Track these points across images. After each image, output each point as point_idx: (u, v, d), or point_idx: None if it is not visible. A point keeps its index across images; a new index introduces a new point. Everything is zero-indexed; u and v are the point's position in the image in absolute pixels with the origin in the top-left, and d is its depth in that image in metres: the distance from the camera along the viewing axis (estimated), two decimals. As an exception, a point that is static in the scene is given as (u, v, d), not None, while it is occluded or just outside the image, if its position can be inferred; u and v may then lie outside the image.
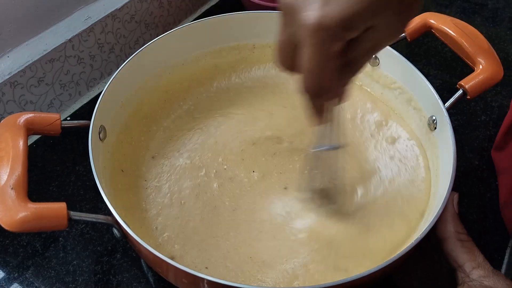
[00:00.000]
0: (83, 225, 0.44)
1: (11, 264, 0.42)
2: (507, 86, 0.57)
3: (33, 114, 0.36)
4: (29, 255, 0.42)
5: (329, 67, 0.28)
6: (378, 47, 0.29)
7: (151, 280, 0.41)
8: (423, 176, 0.43)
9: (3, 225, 0.31)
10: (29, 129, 0.35)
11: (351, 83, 0.31)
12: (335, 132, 0.37)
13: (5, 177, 0.32)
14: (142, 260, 0.42)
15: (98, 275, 0.41)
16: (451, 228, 0.35)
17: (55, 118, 0.37)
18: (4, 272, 0.41)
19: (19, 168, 0.32)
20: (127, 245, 0.43)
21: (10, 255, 0.42)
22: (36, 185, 0.47)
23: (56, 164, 0.49)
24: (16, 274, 0.41)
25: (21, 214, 0.30)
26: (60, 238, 0.43)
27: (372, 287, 0.34)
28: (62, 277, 0.41)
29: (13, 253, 0.42)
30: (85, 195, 0.47)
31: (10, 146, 0.33)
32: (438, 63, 0.61)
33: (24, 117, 0.36)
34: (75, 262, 0.42)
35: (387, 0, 0.26)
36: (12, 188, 0.31)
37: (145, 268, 0.41)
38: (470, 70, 0.43)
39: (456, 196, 0.36)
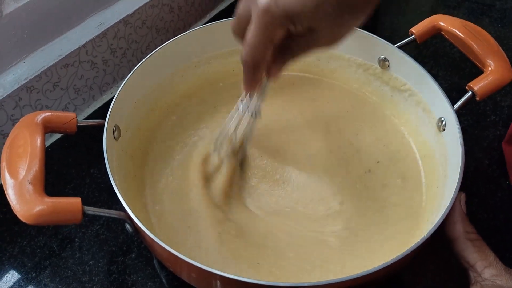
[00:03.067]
0: (98, 226, 0.45)
1: (28, 265, 0.43)
2: (516, 86, 0.57)
3: (50, 113, 0.38)
4: (46, 256, 0.43)
5: (265, 47, 0.32)
6: (314, 47, 0.34)
7: (164, 280, 0.42)
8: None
9: (20, 218, 0.32)
10: (46, 127, 0.37)
11: (285, 67, 0.36)
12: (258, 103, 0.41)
13: (23, 172, 0.33)
14: (155, 260, 0.43)
15: (114, 275, 0.42)
16: (460, 228, 0.35)
17: (71, 117, 0.38)
18: (21, 273, 0.42)
19: (37, 164, 0.33)
20: (142, 245, 0.44)
21: (27, 256, 0.43)
22: (52, 187, 0.48)
23: (71, 166, 0.50)
24: (34, 274, 0.42)
25: (38, 208, 0.32)
26: (76, 239, 0.44)
27: (380, 286, 0.34)
28: (79, 277, 0.42)
29: (31, 253, 0.43)
30: (99, 196, 0.48)
31: (28, 143, 0.35)
32: (447, 64, 0.61)
33: (41, 115, 0.37)
34: (91, 262, 0.43)
35: (326, 12, 0.30)
36: (30, 183, 0.32)
37: (157, 268, 0.42)
38: (479, 71, 0.43)
39: (463, 196, 0.36)
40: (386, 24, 0.69)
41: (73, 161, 0.51)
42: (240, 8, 0.33)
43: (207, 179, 0.43)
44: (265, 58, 0.34)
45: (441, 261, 0.42)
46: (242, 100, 0.41)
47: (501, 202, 0.47)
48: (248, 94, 0.39)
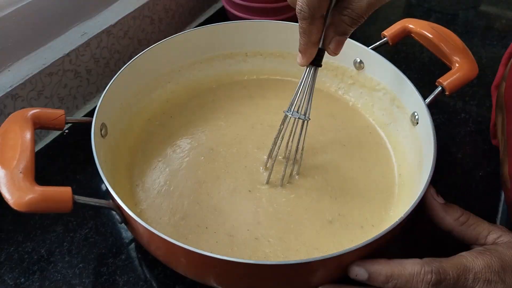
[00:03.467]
0: (86, 230, 0.45)
1: (17, 270, 0.42)
2: (483, 85, 0.60)
3: (39, 109, 0.39)
4: (34, 261, 0.43)
5: None
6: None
7: (155, 279, 0.42)
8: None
9: (12, 206, 0.32)
10: (36, 123, 0.38)
11: (345, 35, 0.36)
12: (307, 103, 0.41)
13: (14, 162, 0.34)
14: (143, 262, 0.43)
15: (104, 276, 0.42)
16: (449, 220, 0.37)
17: (60, 113, 0.39)
18: (10, 278, 0.42)
19: (27, 155, 0.34)
20: (130, 246, 0.44)
21: (15, 261, 0.43)
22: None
23: (57, 174, 0.50)
24: (22, 280, 0.42)
25: (29, 196, 0.32)
26: (65, 243, 0.44)
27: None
28: (69, 280, 0.42)
29: (18, 259, 0.43)
30: (86, 202, 0.48)
31: (18, 135, 0.35)
32: (417, 68, 0.65)
33: (31, 111, 0.38)
34: (81, 265, 0.43)
35: None
36: (21, 172, 0.33)
37: (148, 268, 0.43)
38: (447, 71, 0.46)
39: (432, 190, 0.38)
40: (358, 31, 0.72)
41: (58, 168, 0.51)
42: None
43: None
44: (323, 9, 0.33)
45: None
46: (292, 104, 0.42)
47: (476, 192, 0.50)
48: (307, 68, 0.38)
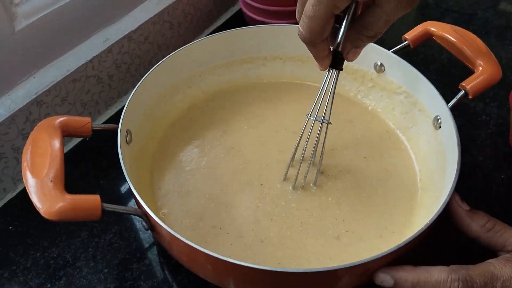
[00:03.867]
0: (110, 235, 0.46)
1: (43, 276, 0.43)
2: (503, 87, 0.60)
3: (66, 117, 0.39)
4: (60, 266, 0.44)
5: (325, 18, 0.30)
6: (393, 14, 0.31)
7: (179, 285, 0.42)
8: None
9: (43, 214, 0.33)
10: (64, 130, 0.38)
11: (362, 47, 0.35)
12: (328, 107, 0.41)
13: (44, 171, 0.34)
14: (166, 267, 0.43)
15: (129, 282, 0.42)
16: (475, 227, 0.36)
17: (86, 121, 0.40)
18: (37, 284, 0.43)
19: (57, 163, 0.35)
20: (154, 252, 0.45)
21: (41, 267, 0.44)
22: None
23: (80, 179, 0.51)
24: (48, 285, 0.42)
25: (60, 204, 0.33)
26: (90, 249, 0.45)
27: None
28: (94, 286, 0.42)
29: (45, 265, 0.44)
30: (110, 207, 0.49)
31: (47, 144, 0.36)
32: (437, 69, 0.64)
33: (59, 119, 0.39)
34: (105, 271, 0.43)
35: None
36: (51, 181, 0.34)
37: (172, 273, 0.43)
38: (467, 73, 0.46)
39: (457, 197, 0.37)
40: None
41: (81, 174, 0.52)
42: None
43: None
44: (324, 33, 0.32)
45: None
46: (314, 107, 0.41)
47: (497, 195, 0.49)
48: (327, 72, 0.38)
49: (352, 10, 0.33)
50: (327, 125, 0.43)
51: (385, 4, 0.31)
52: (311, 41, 0.32)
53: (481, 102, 0.60)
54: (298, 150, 0.45)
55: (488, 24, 0.74)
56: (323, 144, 0.44)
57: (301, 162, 0.45)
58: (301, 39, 0.33)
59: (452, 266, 0.33)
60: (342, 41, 0.35)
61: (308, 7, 0.30)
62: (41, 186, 0.33)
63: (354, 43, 0.35)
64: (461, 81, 0.45)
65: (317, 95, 0.41)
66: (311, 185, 0.45)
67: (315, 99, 0.42)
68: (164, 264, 0.44)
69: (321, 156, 0.45)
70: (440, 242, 0.43)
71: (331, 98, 0.41)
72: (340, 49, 0.36)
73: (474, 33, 0.47)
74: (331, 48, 0.37)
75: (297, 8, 0.33)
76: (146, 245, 0.45)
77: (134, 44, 0.58)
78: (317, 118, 0.42)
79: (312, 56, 0.36)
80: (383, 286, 0.34)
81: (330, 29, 0.33)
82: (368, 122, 0.52)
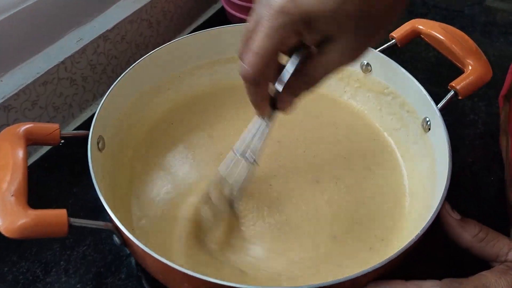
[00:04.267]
0: (84, 247, 0.43)
1: (12, 292, 0.40)
2: (492, 85, 0.58)
3: (32, 124, 0.37)
4: (29, 282, 0.41)
5: (272, 56, 0.28)
6: (335, 64, 0.30)
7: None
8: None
9: (3, 232, 0.30)
10: (29, 139, 0.36)
11: (298, 98, 0.32)
12: (257, 144, 0.36)
13: (5, 185, 0.32)
14: (144, 279, 0.41)
15: (104, 297, 0.40)
16: (467, 237, 0.35)
17: (54, 127, 0.37)
18: (5, 300, 0.40)
19: (19, 176, 0.32)
20: (131, 264, 0.42)
21: (9, 283, 0.41)
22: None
23: (52, 187, 0.48)
24: (18, 302, 0.40)
25: (22, 221, 0.30)
26: (61, 262, 0.43)
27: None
28: (67, 302, 0.40)
29: (13, 280, 0.41)
30: (84, 216, 0.45)
31: (9, 155, 0.34)
32: (424, 68, 0.63)
33: (23, 127, 0.36)
34: (78, 286, 0.41)
35: (348, 14, 0.26)
36: (12, 195, 0.31)
37: (149, 287, 0.41)
38: (455, 72, 0.44)
39: (447, 206, 0.36)
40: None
41: (54, 181, 0.49)
42: (250, 23, 0.30)
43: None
44: (270, 72, 0.30)
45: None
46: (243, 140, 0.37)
47: (488, 198, 0.48)
48: (261, 117, 0.35)
49: (300, 55, 0.30)
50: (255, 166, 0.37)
51: (328, 53, 0.29)
52: (254, 79, 0.30)
53: (469, 100, 0.58)
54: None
55: (475, 21, 0.73)
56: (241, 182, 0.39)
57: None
58: (243, 76, 0.30)
59: (444, 280, 0.31)
60: (286, 82, 0.31)
61: (255, 42, 0.28)
62: (1, 201, 0.31)
63: (291, 90, 0.32)
64: (450, 80, 0.43)
65: (248, 134, 0.37)
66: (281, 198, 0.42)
67: (244, 136, 0.37)
68: (141, 278, 0.41)
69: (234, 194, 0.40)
70: (431, 251, 0.42)
71: (262, 141, 0.36)
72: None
73: (460, 30, 0.45)
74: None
75: (240, 44, 0.31)
76: (123, 257, 0.43)
77: (110, 44, 0.55)
78: (244, 154, 0.37)
79: (250, 100, 0.32)
80: None
81: (275, 68, 0.30)
82: (354, 125, 0.50)
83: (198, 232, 0.40)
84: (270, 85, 0.32)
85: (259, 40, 0.28)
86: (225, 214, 0.40)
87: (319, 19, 0.27)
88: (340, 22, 0.27)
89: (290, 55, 0.31)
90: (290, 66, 0.31)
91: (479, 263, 0.35)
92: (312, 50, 0.30)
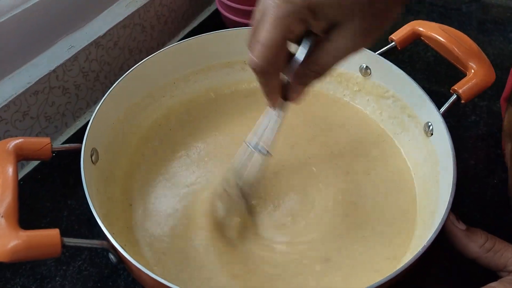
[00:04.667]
0: (80, 262, 0.42)
1: (6, 311, 0.39)
2: (492, 85, 0.58)
3: (22, 139, 0.35)
4: (25, 299, 0.40)
5: (281, 45, 0.28)
6: (343, 51, 0.29)
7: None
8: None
9: None
10: (19, 154, 0.34)
11: (308, 87, 0.32)
12: (270, 135, 0.36)
13: None
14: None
15: (102, 314, 0.39)
16: (474, 248, 0.34)
17: (45, 142, 0.36)
18: (-1, 320, 0.39)
19: (9, 196, 0.31)
20: (129, 278, 0.41)
21: (4, 301, 0.40)
22: (26, 223, 0.45)
23: (46, 200, 0.47)
24: (12, 321, 0.39)
25: (13, 243, 0.29)
26: (57, 278, 0.41)
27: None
28: (63, 320, 0.39)
29: (7, 298, 0.40)
30: (79, 229, 0.45)
31: None
32: (423, 69, 0.62)
33: (13, 142, 0.35)
34: (75, 302, 0.40)
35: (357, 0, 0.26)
36: (2, 216, 0.30)
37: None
38: (454, 72, 0.43)
39: (452, 217, 0.35)
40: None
41: (47, 193, 0.48)
42: (256, 14, 0.30)
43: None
44: (279, 62, 0.29)
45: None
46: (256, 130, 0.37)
47: (491, 201, 0.47)
48: (273, 108, 0.34)
49: (308, 43, 0.30)
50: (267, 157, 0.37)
51: (336, 40, 0.28)
52: (264, 70, 0.29)
53: (470, 102, 0.57)
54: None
55: (472, 18, 0.72)
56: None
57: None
58: (253, 68, 0.30)
59: None
60: (295, 72, 0.31)
61: (262, 33, 0.28)
62: (-9, 224, 0.29)
63: (300, 79, 0.31)
64: (449, 80, 0.43)
65: (260, 126, 0.36)
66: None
67: (257, 128, 0.37)
68: (140, 292, 0.40)
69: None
70: (439, 262, 0.41)
71: (275, 132, 0.36)
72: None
73: (458, 27, 0.44)
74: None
75: (249, 36, 0.30)
76: (120, 271, 0.42)
77: (102, 50, 0.54)
78: (257, 146, 0.37)
79: (262, 91, 0.32)
80: None
81: (284, 58, 0.30)
82: (357, 126, 0.49)
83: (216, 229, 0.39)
84: (281, 75, 0.31)
85: (266, 31, 0.28)
86: (240, 210, 0.40)
87: (324, 5, 0.26)
88: (346, 7, 0.26)
89: (299, 44, 0.30)
90: (299, 54, 0.30)
91: (487, 274, 0.34)
92: (320, 38, 0.29)
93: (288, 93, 0.33)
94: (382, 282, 0.29)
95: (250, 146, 0.37)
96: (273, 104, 0.34)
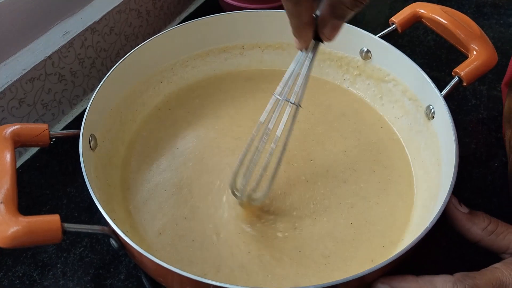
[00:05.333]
0: (81, 248, 0.42)
1: (8, 299, 0.39)
2: (494, 69, 0.57)
3: (19, 125, 0.35)
4: (26, 286, 0.40)
5: None
6: None
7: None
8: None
9: None
10: (16, 141, 0.34)
11: (344, 19, 0.30)
12: (300, 83, 0.34)
13: None
14: (144, 279, 0.40)
15: (104, 300, 0.39)
16: (476, 230, 0.34)
17: (43, 128, 0.35)
18: (1, 307, 0.39)
19: (8, 182, 0.31)
20: (131, 264, 0.41)
21: (5, 288, 0.40)
22: (26, 212, 0.44)
23: (45, 187, 0.47)
24: (14, 309, 0.39)
25: (13, 229, 0.29)
26: (58, 265, 0.41)
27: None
28: (65, 306, 0.39)
29: (9, 285, 0.40)
30: (79, 216, 0.45)
31: None
32: (423, 52, 0.61)
33: (10, 128, 0.34)
34: (77, 289, 0.40)
35: None
36: (1, 202, 0.29)
37: (147, 286, 0.40)
38: (455, 55, 0.43)
39: (454, 200, 0.35)
40: (362, 16, 0.68)
41: (46, 181, 0.47)
42: None
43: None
44: None
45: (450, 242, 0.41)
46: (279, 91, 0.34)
47: (493, 186, 0.47)
48: (303, 49, 0.32)
49: None
50: (296, 109, 0.35)
51: None
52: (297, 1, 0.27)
53: (470, 85, 0.57)
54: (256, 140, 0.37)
55: (472, 2, 0.71)
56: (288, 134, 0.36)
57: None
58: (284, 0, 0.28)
59: (456, 275, 0.30)
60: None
61: None
62: (-10, 210, 0.29)
63: (335, 10, 0.29)
64: (449, 64, 0.42)
65: (289, 72, 0.34)
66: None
67: (286, 76, 0.35)
68: (142, 279, 0.40)
69: (284, 148, 0.37)
70: (440, 244, 0.41)
71: (306, 78, 0.34)
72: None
73: (463, 12, 0.44)
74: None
75: None
76: (121, 258, 0.42)
77: (98, 36, 0.53)
78: (286, 99, 0.35)
79: (292, 26, 0.30)
80: None
81: None
82: (357, 112, 0.49)
83: None
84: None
85: None
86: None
87: None
88: None
89: None
90: None
91: (490, 256, 0.34)
92: None
93: (321, 28, 0.30)
94: (385, 264, 0.29)
95: (280, 97, 0.35)
96: (305, 43, 0.32)
